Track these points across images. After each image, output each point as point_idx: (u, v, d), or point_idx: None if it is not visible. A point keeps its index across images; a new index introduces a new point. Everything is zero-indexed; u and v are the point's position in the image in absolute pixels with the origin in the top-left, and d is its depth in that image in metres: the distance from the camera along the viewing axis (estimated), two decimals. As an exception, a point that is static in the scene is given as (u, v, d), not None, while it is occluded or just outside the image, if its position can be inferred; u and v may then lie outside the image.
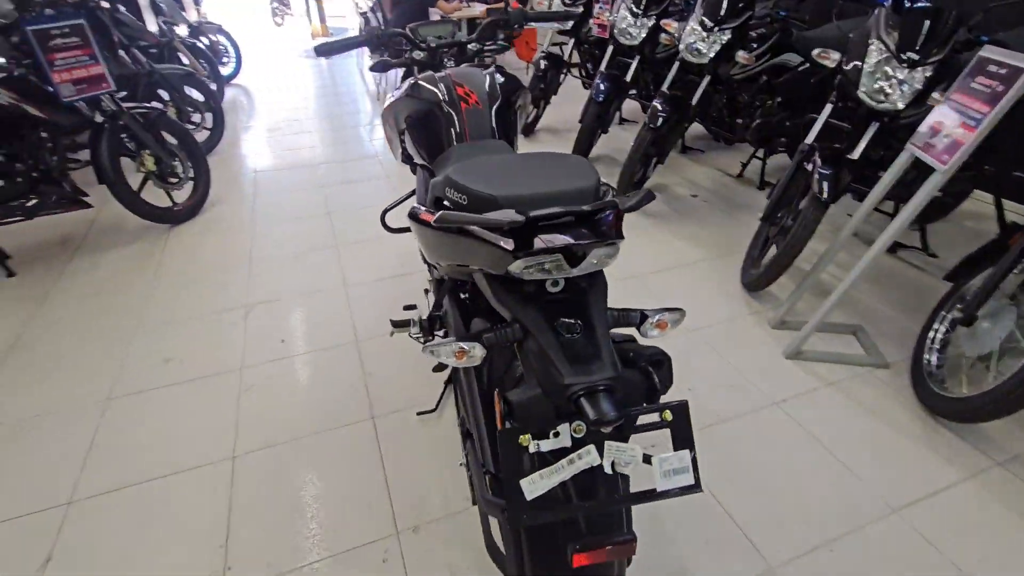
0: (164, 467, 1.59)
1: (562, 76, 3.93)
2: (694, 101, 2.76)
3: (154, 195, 2.84)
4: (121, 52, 3.11)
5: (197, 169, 2.96)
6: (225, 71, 5.47)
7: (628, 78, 3.11)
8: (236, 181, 3.46)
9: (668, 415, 0.76)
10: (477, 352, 0.81)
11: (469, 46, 1.60)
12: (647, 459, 0.75)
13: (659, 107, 2.70)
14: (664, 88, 2.82)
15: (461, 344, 0.80)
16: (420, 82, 1.38)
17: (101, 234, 2.86)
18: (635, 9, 3.02)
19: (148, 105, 2.78)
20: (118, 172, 2.64)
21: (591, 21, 3.57)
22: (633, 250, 2.64)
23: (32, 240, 2.80)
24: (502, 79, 1.42)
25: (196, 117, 3.78)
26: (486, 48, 1.64)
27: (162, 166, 2.80)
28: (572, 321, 0.78)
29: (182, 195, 2.96)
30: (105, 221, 2.98)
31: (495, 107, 1.36)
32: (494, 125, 1.34)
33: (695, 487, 0.75)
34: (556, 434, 0.73)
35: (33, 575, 1.32)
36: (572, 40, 3.78)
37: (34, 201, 2.48)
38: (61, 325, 2.17)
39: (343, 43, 1.43)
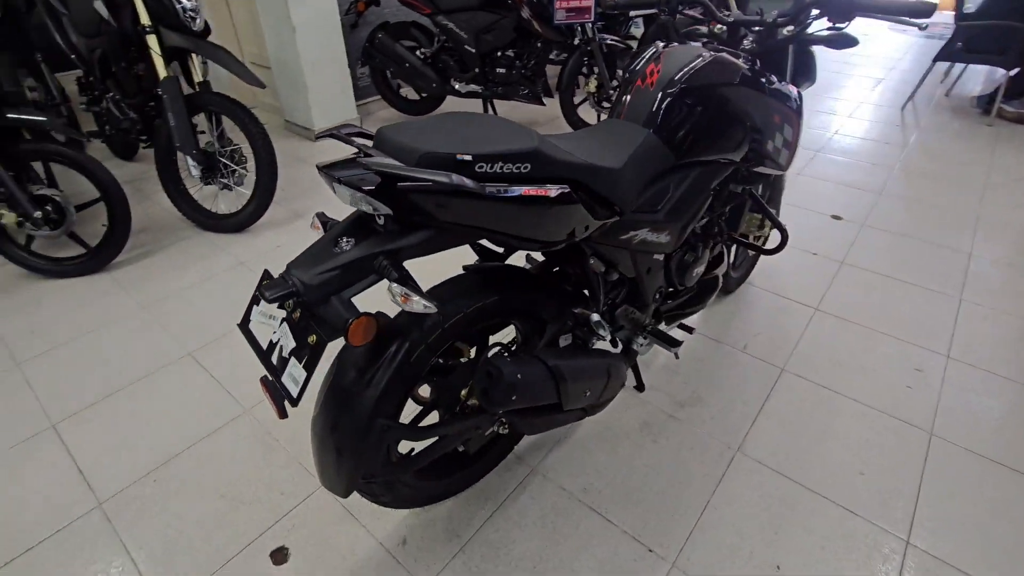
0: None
1: None
2: None
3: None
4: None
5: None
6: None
7: None
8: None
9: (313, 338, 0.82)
10: None
11: (782, 29, 1.29)
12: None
13: None
14: None
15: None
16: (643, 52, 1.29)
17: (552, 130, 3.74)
18: None
19: (617, 38, 3.27)
20: (570, 87, 3.31)
21: None
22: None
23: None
24: (712, 67, 1.17)
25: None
26: (807, 36, 1.29)
27: (600, 90, 3.34)
28: (350, 238, 0.84)
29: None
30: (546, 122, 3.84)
31: (668, 93, 1.16)
32: (654, 111, 1.16)
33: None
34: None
35: None
36: None
37: (514, 90, 3.42)
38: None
39: (632, 1, 1.42)
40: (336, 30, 3.34)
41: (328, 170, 0.79)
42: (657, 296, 1.40)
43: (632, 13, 4.05)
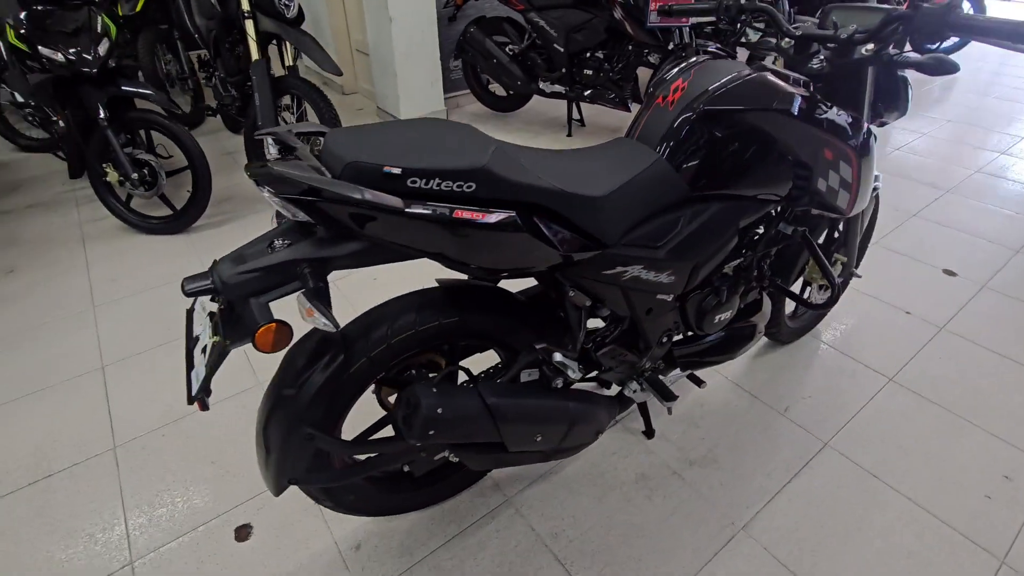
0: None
1: None
2: None
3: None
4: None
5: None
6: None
7: None
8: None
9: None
10: None
11: (860, 47, 1.07)
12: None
13: None
14: None
15: None
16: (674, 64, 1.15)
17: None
18: None
19: (721, 46, 2.99)
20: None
21: None
22: None
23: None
24: (745, 88, 1.01)
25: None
26: (891, 57, 1.05)
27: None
28: (286, 240, 0.81)
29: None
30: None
31: (688, 115, 1.01)
32: (669, 133, 1.02)
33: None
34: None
35: None
36: None
37: (601, 93, 3.28)
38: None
39: (686, 8, 1.24)
40: (431, 23, 3.40)
41: (254, 169, 0.77)
42: (664, 340, 1.25)
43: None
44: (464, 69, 3.76)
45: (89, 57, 2.12)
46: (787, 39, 1.21)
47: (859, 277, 1.73)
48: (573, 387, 1.21)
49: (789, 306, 1.83)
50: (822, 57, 1.18)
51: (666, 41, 2.99)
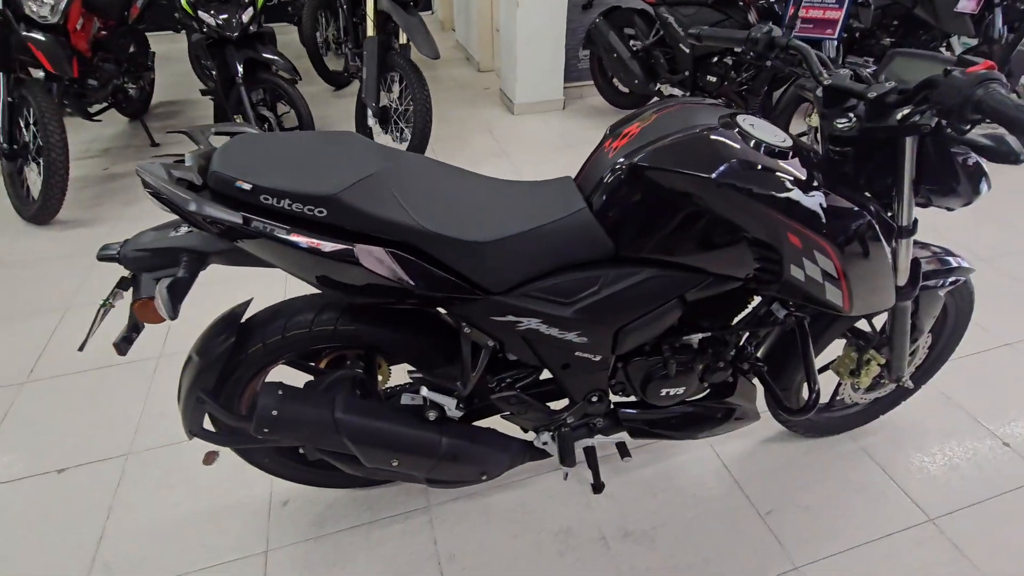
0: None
1: None
2: None
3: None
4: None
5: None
6: None
7: None
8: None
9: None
10: None
11: (896, 111, 0.83)
12: None
13: None
14: None
15: None
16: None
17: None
18: None
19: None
20: (786, 113, 2.70)
21: None
22: None
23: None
24: (687, 148, 0.86)
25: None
26: (933, 129, 0.80)
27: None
28: (189, 228, 0.90)
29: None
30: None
31: (621, 167, 0.90)
32: (600, 184, 0.92)
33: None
34: None
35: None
36: None
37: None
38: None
39: (713, 34, 1.07)
40: (560, 9, 3.33)
41: (143, 164, 0.85)
42: (596, 399, 1.14)
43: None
44: (591, 60, 3.63)
45: (233, 23, 2.47)
46: (821, 80, 0.98)
47: (911, 389, 1.38)
48: (479, 422, 1.17)
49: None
50: (852, 115, 0.94)
51: (806, 53, 2.57)
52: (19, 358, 1.83)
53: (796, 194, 0.84)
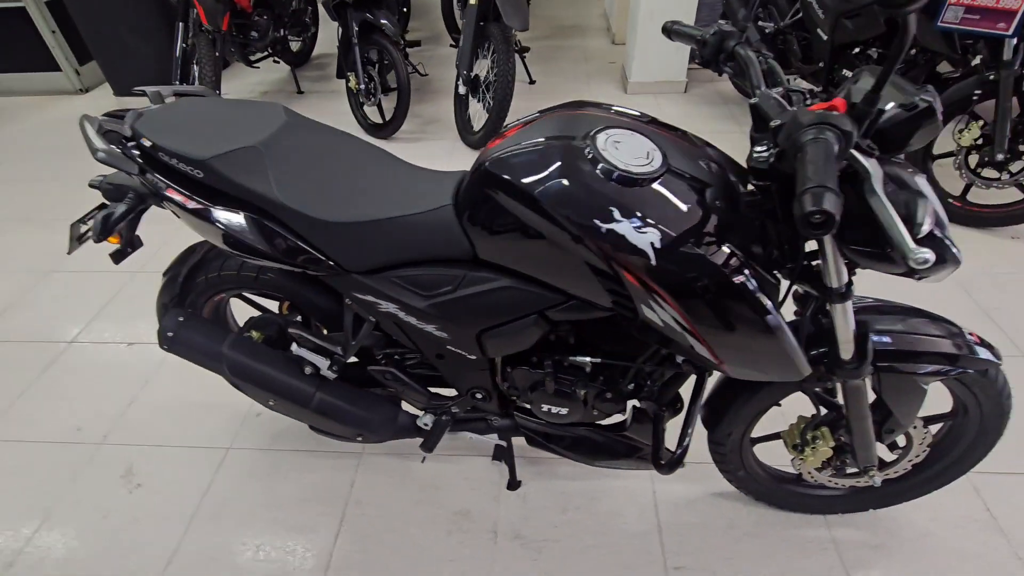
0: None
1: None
2: None
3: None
4: None
5: None
6: None
7: None
8: None
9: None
10: None
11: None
12: None
13: None
14: None
15: None
16: None
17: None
18: None
19: None
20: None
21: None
22: None
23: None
24: (520, 156, 0.81)
25: None
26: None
27: (983, 150, 2.07)
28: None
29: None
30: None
31: (478, 170, 0.86)
32: (463, 183, 0.92)
33: None
34: None
35: None
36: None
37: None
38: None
39: (683, 29, 0.94)
40: (691, -17, 3.02)
41: (87, 115, 1.03)
42: (479, 396, 1.14)
43: None
44: (723, 40, 3.25)
45: (351, -12, 2.71)
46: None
47: (872, 484, 1.11)
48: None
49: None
50: (768, 144, 0.78)
51: (971, 52, 2.03)
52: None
53: (623, 227, 0.74)
